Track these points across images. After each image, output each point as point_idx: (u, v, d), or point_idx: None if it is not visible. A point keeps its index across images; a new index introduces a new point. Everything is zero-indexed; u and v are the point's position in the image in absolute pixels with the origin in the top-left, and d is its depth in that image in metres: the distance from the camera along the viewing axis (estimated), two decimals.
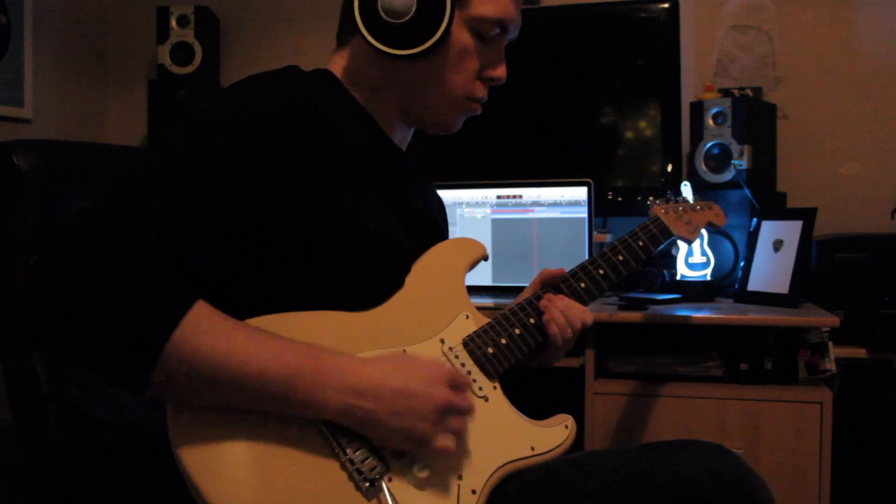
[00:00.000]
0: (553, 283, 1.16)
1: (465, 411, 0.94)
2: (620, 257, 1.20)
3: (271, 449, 0.86)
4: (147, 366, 0.80)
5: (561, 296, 1.13)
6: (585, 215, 2.04)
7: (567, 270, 1.17)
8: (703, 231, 2.00)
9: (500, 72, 1.09)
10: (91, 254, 0.80)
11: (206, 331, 0.82)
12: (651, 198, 1.39)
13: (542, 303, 1.11)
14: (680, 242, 2.02)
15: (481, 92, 1.09)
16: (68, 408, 1.06)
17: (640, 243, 1.23)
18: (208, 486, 0.83)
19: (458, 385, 0.94)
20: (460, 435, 0.94)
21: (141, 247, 0.82)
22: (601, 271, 1.17)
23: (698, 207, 1.42)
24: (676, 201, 1.40)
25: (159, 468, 0.87)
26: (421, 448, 0.91)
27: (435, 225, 1.15)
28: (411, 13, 0.99)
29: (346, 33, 1.09)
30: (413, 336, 1.01)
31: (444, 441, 0.90)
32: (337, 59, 1.10)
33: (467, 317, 1.06)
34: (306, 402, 0.86)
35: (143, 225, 0.84)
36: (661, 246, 1.28)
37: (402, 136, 1.14)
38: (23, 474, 1.05)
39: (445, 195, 2.12)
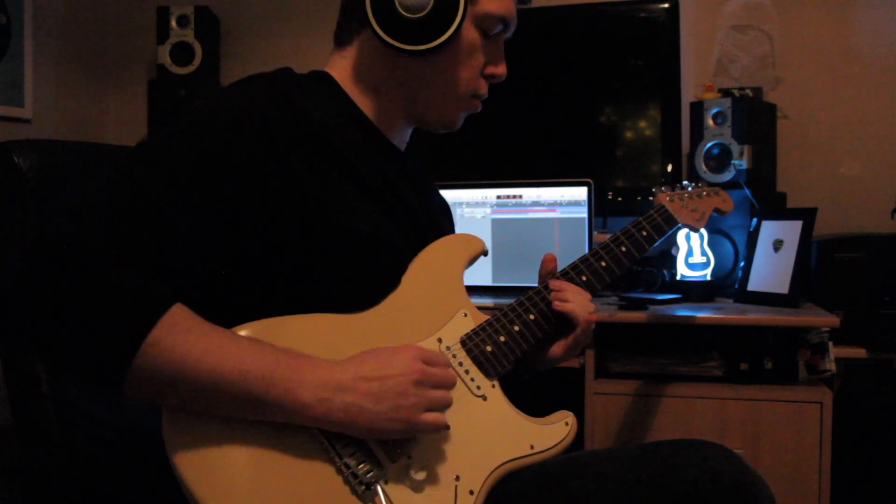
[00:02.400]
0: (552, 276, 1.14)
1: (443, 381, 0.92)
2: (623, 248, 1.18)
3: (266, 453, 0.86)
4: (122, 366, 0.79)
5: (563, 285, 1.11)
6: (585, 215, 2.04)
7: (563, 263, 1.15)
8: (704, 231, 2.00)
9: (502, 69, 1.10)
10: (72, 255, 0.80)
11: (182, 331, 0.82)
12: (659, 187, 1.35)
13: (554, 295, 1.09)
14: (680, 243, 2.02)
15: (484, 88, 1.10)
16: (68, 408, 1.06)
17: (644, 233, 1.21)
18: (203, 491, 0.82)
19: (432, 361, 0.93)
20: (446, 407, 0.92)
21: (123, 249, 0.82)
22: (603, 263, 1.16)
23: (704, 194, 1.38)
24: (682, 188, 1.36)
25: (159, 468, 0.86)
26: (410, 428, 0.89)
27: (435, 225, 1.14)
28: (428, 8, 1.00)
29: (348, 32, 1.09)
30: (409, 336, 1.00)
31: (431, 416, 0.90)
32: (337, 60, 1.10)
33: (465, 315, 1.06)
34: (283, 401, 0.85)
35: (127, 228, 0.83)
36: (666, 235, 1.25)
37: (402, 137, 1.14)
38: (23, 474, 1.05)
39: (445, 195, 2.11)
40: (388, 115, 1.09)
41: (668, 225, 1.25)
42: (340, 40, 1.10)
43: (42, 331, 0.79)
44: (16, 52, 2.50)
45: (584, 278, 1.14)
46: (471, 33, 1.05)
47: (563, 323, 1.11)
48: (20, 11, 2.52)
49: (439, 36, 1.01)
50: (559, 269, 1.16)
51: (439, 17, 1.00)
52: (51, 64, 2.67)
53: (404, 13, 1.00)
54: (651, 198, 1.34)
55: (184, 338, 0.82)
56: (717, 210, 1.41)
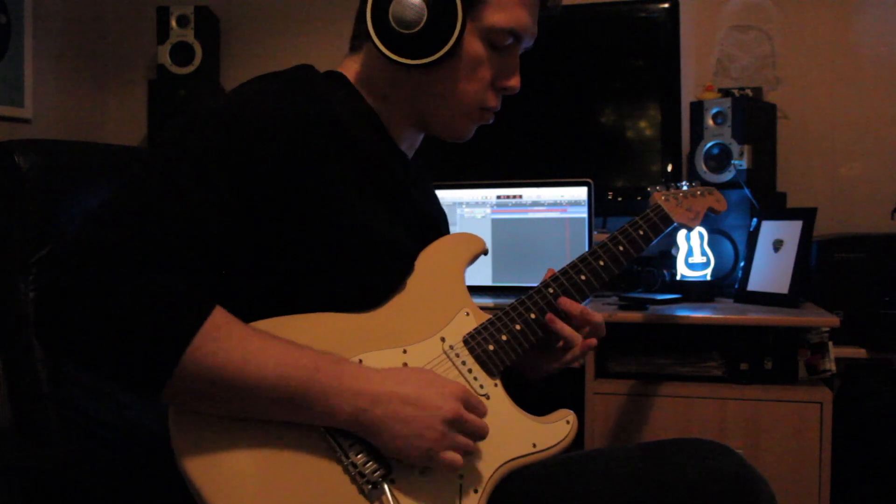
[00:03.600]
0: (552, 279, 1.14)
1: (475, 429, 0.93)
2: (621, 248, 1.18)
3: (273, 452, 0.87)
4: (165, 372, 0.80)
5: (585, 308, 1.11)
6: (585, 215, 2.04)
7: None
8: (704, 231, 2.00)
9: (514, 81, 1.09)
10: (110, 260, 0.80)
11: (224, 336, 0.83)
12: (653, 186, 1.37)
13: (561, 302, 1.09)
14: (680, 243, 2.02)
15: (493, 101, 1.09)
16: (68, 408, 1.06)
17: (641, 232, 1.22)
18: (211, 490, 0.83)
19: (472, 405, 0.93)
20: (468, 453, 0.93)
21: (160, 253, 0.83)
22: (601, 262, 1.16)
23: (699, 193, 1.40)
24: (677, 188, 1.38)
25: (159, 468, 0.87)
26: (428, 460, 0.90)
27: (438, 232, 1.14)
28: (422, 24, 0.99)
29: (358, 38, 1.09)
30: (413, 335, 1.01)
31: (450, 456, 0.90)
32: (349, 64, 1.10)
33: (468, 314, 1.06)
34: (321, 406, 0.86)
35: (163, 231, 0.83)
36: (662, 234, 1.26)
37: (411, 143, 1.13)
38: (23, 474, 1.05)
39: (445, 195, 2.12)
40: (397, 122, 1.09)
41: (664, 224, 1.26)
42: (352, 46, 1.11)
43: (84, 339, 0.79)
44: (16, 52, 2.50)
45: (582, 277, 1.14)
46: (475, 47, 1.03)
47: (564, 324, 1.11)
48: (20, 11, 2.52)
49: (437, 50, 1.00)
50: (558, 270, 1.16)
51: (436, 31, 0.99)
52: (51, 64, 2.67)
53: (398, 28, 0.99)
54: (640, 198, 1.35)
55: (226, 343, 0.82)
56: (711, 209, 1.42)
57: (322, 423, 0.88)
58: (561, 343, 1.12)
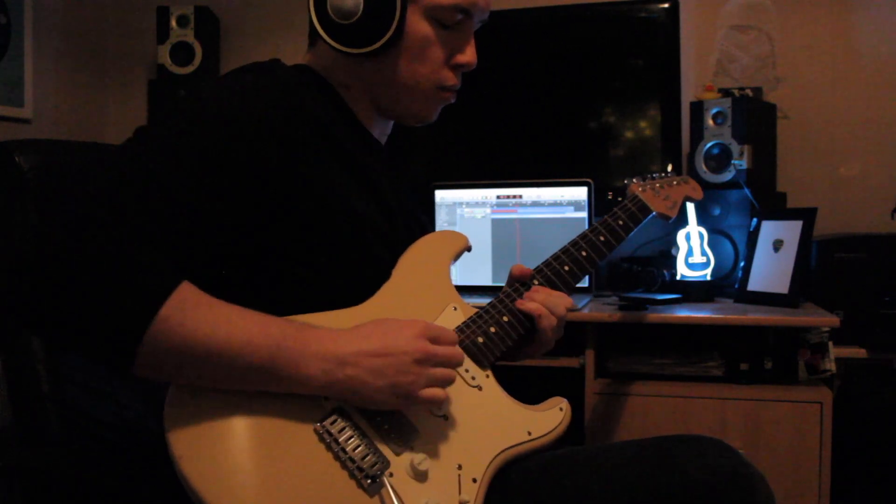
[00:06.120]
0: (536, 271, 1.15)
1: (447, 360, 0.94)
2: (601, 238, 1.20)
3: (271, 452, 0.86)
4: (133, 342, 0.80)
5: (536, 288, 1.13)
6: (585, 215, 2.04)
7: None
8: (704, 231, 2.01)
9: (469, 56, 1.09)
10: (81, 234, 0.80)
11: (191, 306, 0.83)
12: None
13: (518, 302, 1.11)
14: (680, 243, 2.02)
15: (451, 80, 1.09)
16: (68, 408, 1.06)
17: (620, 222, 1.24)
18: (210, 492, 0.83)
19: (436, 337, 0.94)
20: (448, 383, 0.94)
21: (132, 229, 0.83)
22: (583, 253, 1.18)
23: (675, 182, 1.42)
24: (653, 178, 1.39)
25: (159, 468, 0.87)
26: (409, 403, 0.92)
27: (415, 218, 1.16)
28: (359, 13, 1.00)
29: (312, 34, 1.10)
30: None
31: (429, 391, 0.92)
32: (309, 58, 1.12)
33: (455, 308, 1.08)
34: (290, 372, 0.87)
35: (136, 208, 0.84)
36: (642, 224, 1.28)
37: (381, 130, 1.15)
38: (23, 474, 1.05)
39: (445, 195, 2.12)
40: (363, 109, 1.10)
41: (642, 214, 1.28)
42: (309, 41, 1.12)
43: (51, 309, 0.79)
44: (16, 52, 2.50)
45: (566, 268, 1.16)
46: (421, 28, 1.04)
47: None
48: (20, 11, 2.52)
49: (380, 37, 1.01)
50: (542, 262, 1.18)
51: (375, 18, 1.00)
52: (51, 64, 2.67)
53: (337, 20, 1.01)
54: (625, 181, 1.36)
55: (193, 313, 0.83)
56: (687, 198, 1.43)
57: (298, 391, 0.88)
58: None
